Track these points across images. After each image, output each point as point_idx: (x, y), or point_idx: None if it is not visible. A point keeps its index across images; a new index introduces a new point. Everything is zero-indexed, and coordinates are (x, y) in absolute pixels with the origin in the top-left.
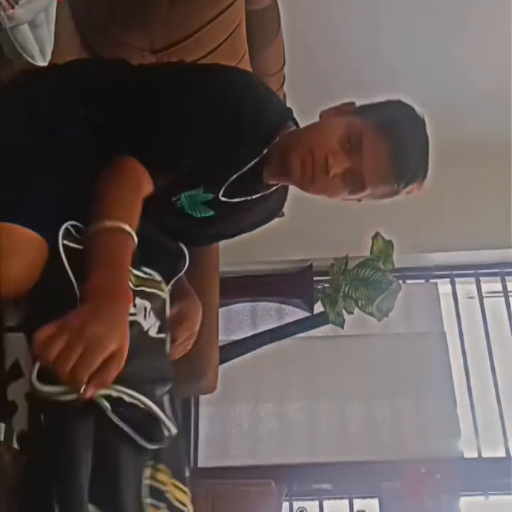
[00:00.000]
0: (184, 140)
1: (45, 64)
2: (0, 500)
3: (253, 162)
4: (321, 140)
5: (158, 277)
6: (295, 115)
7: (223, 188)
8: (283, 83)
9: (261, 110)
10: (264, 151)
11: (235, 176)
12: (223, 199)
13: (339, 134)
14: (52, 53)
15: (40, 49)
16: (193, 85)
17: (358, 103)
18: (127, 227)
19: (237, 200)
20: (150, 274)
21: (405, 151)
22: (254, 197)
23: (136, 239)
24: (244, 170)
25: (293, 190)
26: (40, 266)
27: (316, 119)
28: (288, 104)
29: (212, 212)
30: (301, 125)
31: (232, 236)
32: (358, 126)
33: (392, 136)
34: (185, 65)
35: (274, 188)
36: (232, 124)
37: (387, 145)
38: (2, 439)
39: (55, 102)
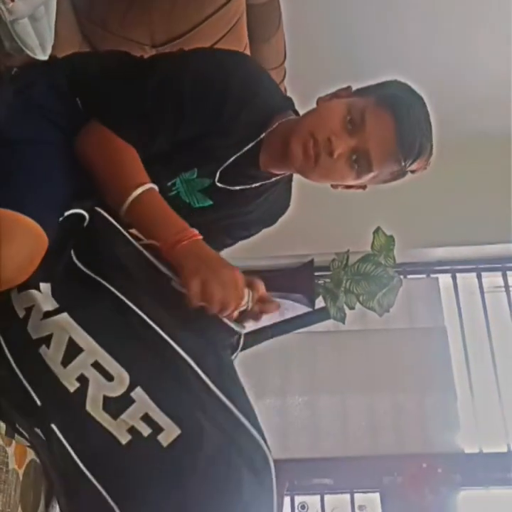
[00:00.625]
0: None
1: (46, 58)
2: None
3: (249, 146)
4: (322, 122)
5: None
6: (298, 109)
7: (219, 172)
8: (284, 77)
9: (254, 88)
10: (262, 136)
11: (230, 161)
12: (220, 185)
13: (340, 114)
14: (53, 47)
15: (40, 43)
16: (184, 61)
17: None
18: (147, 186)
19: (235, 187)
20: None
21: (409, 123)
22: (253, 185)
23: (151, 185)
24: (240, 154)
25: (294, 183)
26: (38, 256)
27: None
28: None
29: (210, 202)
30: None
31: (240, 237)
32: (358, 104)
33: (395, 109)
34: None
35: (274, 179)
36: (222, 98)
37: (391, 118)
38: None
39: (53, 92)
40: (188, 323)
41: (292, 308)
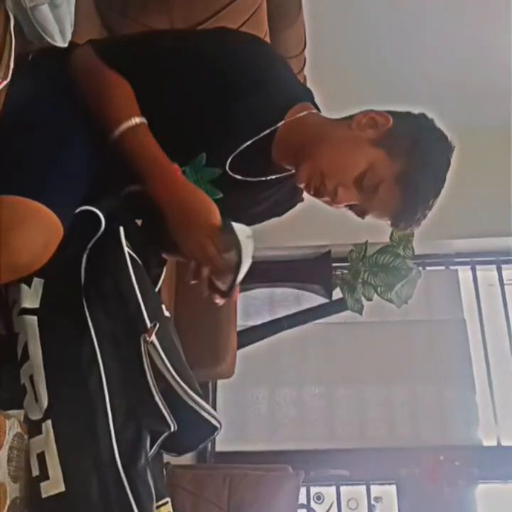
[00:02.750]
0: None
1: (66, 45)
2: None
3: (263, 133)
4: (337, 168)
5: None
6: (316, 98)
7: (229, 160)
8: (304, 66)
9: (270, 70)
10: (278, 125)
11: (242, 147)
12: (231, 174)
13: (358, 169)
14: (72, 34)
15: (60, 30)
16: (206, 35)
17: (389, 106)
18: (134, 121)
19: (246, 178)
20: None
21: (416, 206)
22: (264, 178)
23: (143, 119)
24: (253, 141)
25: None
26: (53, 244)
27: (336, 102)
28: (308, 87)
29: (220, 194)
30: (322, 109)
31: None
32: (380, 169)
33: (409, 195)
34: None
35: (285, 174)
36: (242, 75)
37: (402, 201)
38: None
39: (69, 78)
40: (130, 383)
41: (309, 298)
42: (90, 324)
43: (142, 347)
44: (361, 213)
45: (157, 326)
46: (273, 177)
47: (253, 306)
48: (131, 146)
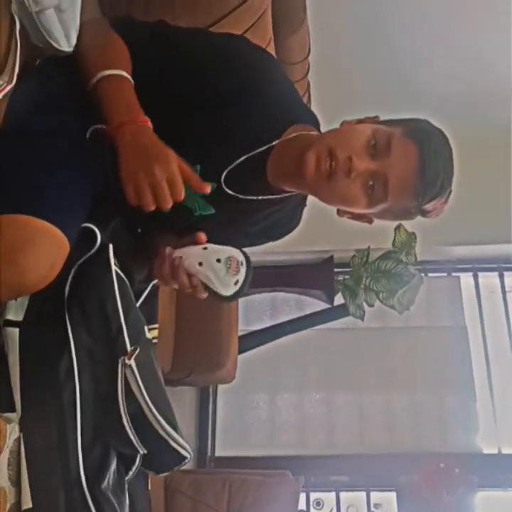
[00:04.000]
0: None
1: (70, 49)
2: None
3: (258, 150)
4: (345, 140)
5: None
6: (321, 104)
7: (224, 175)
8: (308, 72)
9: (275, 84)
10: (274, 143)
11: (237, 162)
12: (226, 190)
13: (365, 136)
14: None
15: (65, 34)
16: (219, 40)
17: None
18: (118, 71)
19: (240, 196)
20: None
21: (435, 160)
22: (258, 198)
23: (130, 78)
24: (248, 156)
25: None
26: (60, 263)
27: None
28: (312, 93)
29: (212, 211)
30: (326, 115)
31: (241, 246)
32: (385, 130)
33: (423, 144)
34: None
35: (281, 196)
36: (241, 86)
37: (417, 151)
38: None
39: (75, 84)
40: (101, 403)
41: (311, 304)
42: (71, 339)
43: (119, 369)
44: (382, 193)
45: (137, 350)
46: (265, 197)
47: (255, 311)
48: (107, 91)
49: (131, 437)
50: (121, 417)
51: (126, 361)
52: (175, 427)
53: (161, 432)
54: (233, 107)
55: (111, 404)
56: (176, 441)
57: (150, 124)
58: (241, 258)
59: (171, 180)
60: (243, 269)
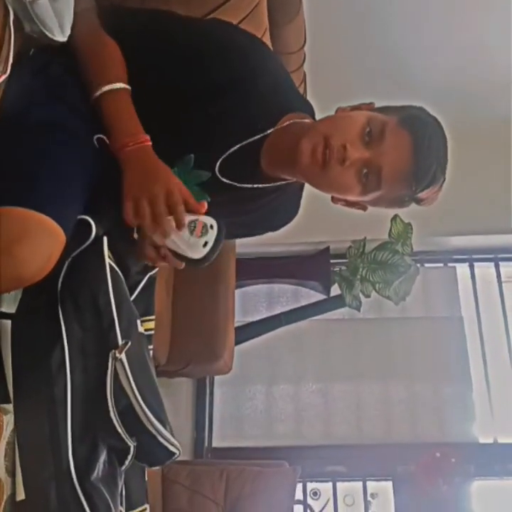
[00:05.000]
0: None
1: (65, 39)
2: None
3: (253, 138)
4: (340, 128)
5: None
6: (317, 95)
7: (218, 163)
8: (303, 62)
9: (269, 72)
10: (270, 130)
11: (231, 150)
12: (221, 178)
13: (360, 124)
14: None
15: (59, 24)
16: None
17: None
18: (117, 85)
19: (235, 184)
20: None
21: (428, 149)
22: (254, 185)
23: (127, 86)
24: (242, 145)
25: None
26: (56, 255)
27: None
28: (308, 83)
29: (208, 199)
30: (322, 105)
31: (238, 235)
32: (380, 118)
33: (417, 132)
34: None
35: (275, 184)
36: (235, 74)
37: (411, 140)
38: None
39: (69, 73)
40: (91, 396)
41: (307, 295)
42: (64, 332)
43: (110, 363)
44: (375, 181)
45: (128, 344)
46: (260, 185)
47: (251, 302)
48: (109, 109)
49: (119, 430)
50: (108, 410)
51: (117, 355)
52: (164, 423)
53: (149, 427)
54: (228, 95)
55: (100, 397)
56: (164, 437)
57: (149, 142)
58: (210, 222)
59: (169, 196)
60: (213, 232)
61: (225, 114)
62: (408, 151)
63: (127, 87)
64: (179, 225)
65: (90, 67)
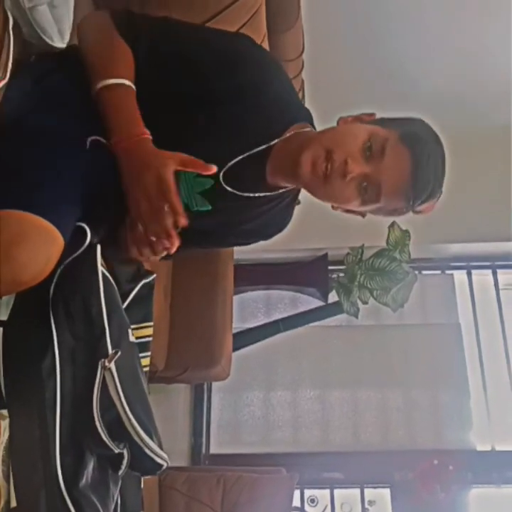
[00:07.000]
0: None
1: (64, 45)
2: None
3: (258, 149)
4: (341, 142)
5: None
6: (315, 102)
7: (222, 172)
8: (302, 69)
9: (278, 84)
10: (275, 141)
11: (235, 160)
12: (224, 185)
13: (361, 139)
14: (71, 34)
15: (58, 30)
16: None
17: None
18: (121, 80)
19: (238, 193)
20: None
21: (427, 167)
22: (257, 194)
23: (132, 85)
24: (247, 155)
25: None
26: (55, 259)
27: (333, 120)
28: (306, 90)
29: (209, 207)
30: (320, 113)
31: (232, 244)
32: (381, 134)
33: (416, 150)
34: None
35: (279, 192)
36: (245, 84)
37: (410, 157)
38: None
39: (70, 80)
40: (78, 403)
41: (305, 301)
42: (55, 339)
43: (98, 372)
44: (375, 195)
45: (118, 353)
46: (263, 194)
47: (249, 308)
48: (108, 101)
49: (104, 439)
50: (93, 418)
51: (106, 364)
52: (151, 435)
53: (135, 438)
54: (235, 105)
55: (86, 405)
56: (150, 449)
57: (148, 135)
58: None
59: (160, 184)
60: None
61: (232, 124)
62: (407, 168)
63: (132, 85)
64: (175, 212)
65: (98, 61)
